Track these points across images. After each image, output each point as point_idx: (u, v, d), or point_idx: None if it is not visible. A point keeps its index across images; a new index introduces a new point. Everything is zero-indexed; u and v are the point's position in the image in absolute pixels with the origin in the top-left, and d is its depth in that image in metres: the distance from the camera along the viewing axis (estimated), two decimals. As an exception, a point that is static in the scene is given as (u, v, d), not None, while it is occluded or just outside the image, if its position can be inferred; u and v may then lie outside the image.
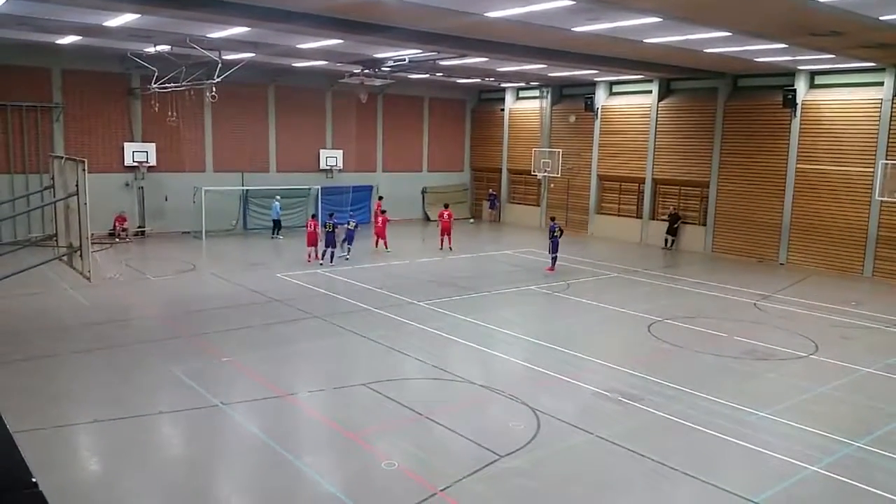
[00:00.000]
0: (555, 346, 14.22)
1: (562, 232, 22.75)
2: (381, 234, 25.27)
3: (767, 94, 25.28)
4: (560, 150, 31.70)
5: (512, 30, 17.15)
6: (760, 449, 9.59)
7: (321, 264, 22.24)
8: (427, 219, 35.28)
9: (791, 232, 24.82)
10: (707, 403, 11.25)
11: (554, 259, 22.55)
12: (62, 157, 13.81)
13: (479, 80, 30.71)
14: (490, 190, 36.61)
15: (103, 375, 12.15)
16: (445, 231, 26.12)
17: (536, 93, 33.87)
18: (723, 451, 9.64)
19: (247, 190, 29.70)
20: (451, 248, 25.90)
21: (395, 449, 9.44)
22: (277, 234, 28.34)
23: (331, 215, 23.12)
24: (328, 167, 32.09)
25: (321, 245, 22.73)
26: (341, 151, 32.48)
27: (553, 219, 23.72)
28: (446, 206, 27.47)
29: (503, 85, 34.11)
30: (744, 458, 9.40)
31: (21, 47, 23.50)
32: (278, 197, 28.97)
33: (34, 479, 1.57)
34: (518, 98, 35.46)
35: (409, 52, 22.57)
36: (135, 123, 27.53)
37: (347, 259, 22.75)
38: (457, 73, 27.62)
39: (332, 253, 22.33)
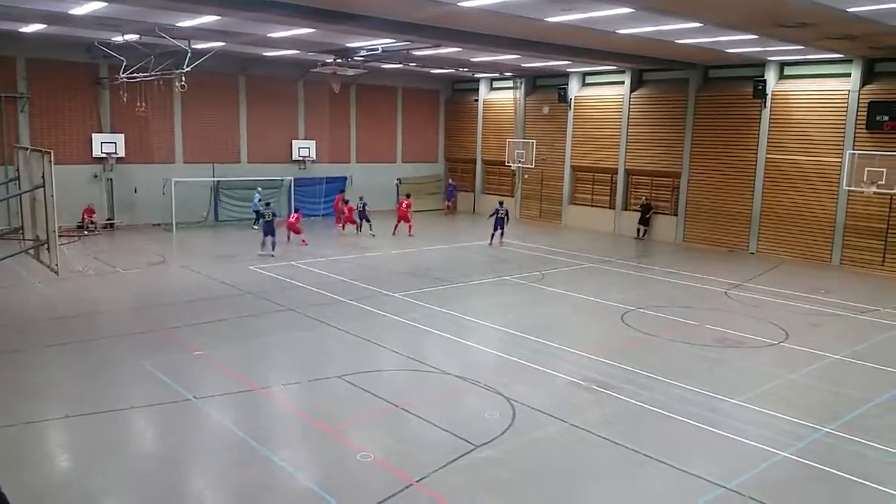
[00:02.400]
0: (529, 336, 14.28)
1: (507, 215, 25.73)
2: (349, 220, 27.68)
3: (738, 84, 25.54)
4: (534, 141, 31.78)
5: (485, 19, 17.11)
6: (732, 435, 9.74)
7: (261, 254, 22.27)
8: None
9: (761, 221, 25.16)
10: (679, 391, 11.39)
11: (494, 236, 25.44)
12: (27, 149, 13.49)
13: (452, 70, 30.65)
14: (450, 180, 36.83)
15: (74, 370, 11.95)
16: (402, 219, 27.62)
17: (510, 83, 33.86)
18: (695, 438, 9.76)
19: (218, 181, 29.36)
20: (410, 235, 27.01)
21: (371, 441, 9.41)
22: (256, 224, 28.00)
23: (267, 205, 23.26)
24: (301, 158, 31.81)
25: (260, 235, 22.99)
26: (314, 142, 32.21)
27: (501, 203, 26.26)
28: (407, 196, 29.74)
29: (477, 75, 34.06)
30: (716, 445, 9.53)
31: (-17, 36, 22.97)
32: (259, 189, 28.76)
33: (-2, 481, 1.52)
34: (492, 89, 35.44)
35: (382, 42, 22.41)
36: (103, 114, 27.04)
37: (273, 256, 22.23)
38: (430, 63, 27.52)
39: (274, 242, 22.40)
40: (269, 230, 22.19)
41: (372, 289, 18.08)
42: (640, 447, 9.25)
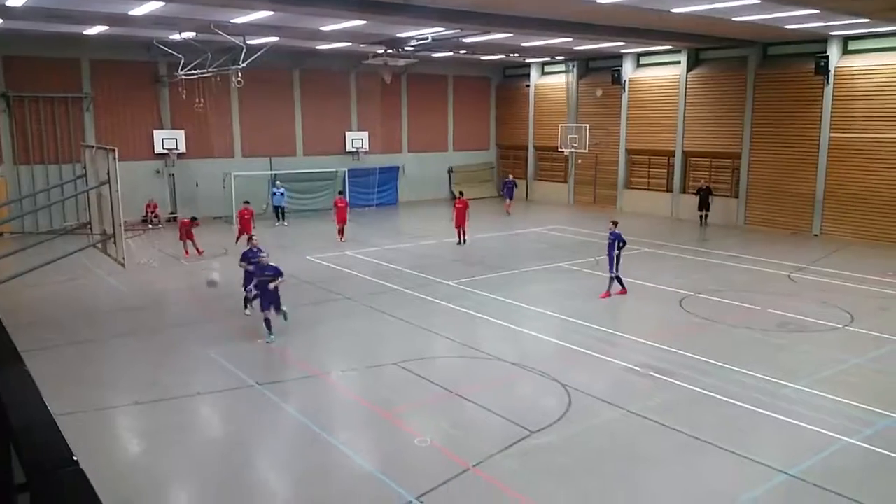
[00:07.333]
0: (584, 323, 14.17)
1: (625, 243, 16.21)
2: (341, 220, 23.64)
3: (799, 61, 24.69)
4: (587, 125, 31.37)
5: (535, 3, 16.95)
6: (795, 421, 9.50)
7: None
8: (454, 198, 35.15)
9: (825, 202, 24.34)
10: (740, 377, 11.16)
11: (615, 279, 16.29)
12: (93, 147, 14.01)
13: (503, 56, 30.42)
14: (509, 176, 32.52)
15: (141, 359, 12.40)
16: (459, 223, 22.93)
17: (562, 67, 33.49)
18: (757, 424, 9.57)
19: (275, 174, 29.90)
20: (464, 241, 22.99)
21: (428, 426, 9.52)
22: (282, 221, 27.37)
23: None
24: (354, 149, 32.16)
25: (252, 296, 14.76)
26: (367, 133, 32.52)
27: (615, 223, 16.46)
28: (461, 195, 24.55)
29: (528, 60, 33.78)
30: (778, 431, 9.33)
31: (50, 39, 23.84)
32: (278, 183, 28.70)
33: (75, 458, 1.62)
34: (543, 73, 35.09)
35: (432, 31, 22.43)
36: (163, 111, 27.83)
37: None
38: (480, 50, 27.41)
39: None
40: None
41: (425, 277, 18.20)
42: (699, 434, 9.12)
